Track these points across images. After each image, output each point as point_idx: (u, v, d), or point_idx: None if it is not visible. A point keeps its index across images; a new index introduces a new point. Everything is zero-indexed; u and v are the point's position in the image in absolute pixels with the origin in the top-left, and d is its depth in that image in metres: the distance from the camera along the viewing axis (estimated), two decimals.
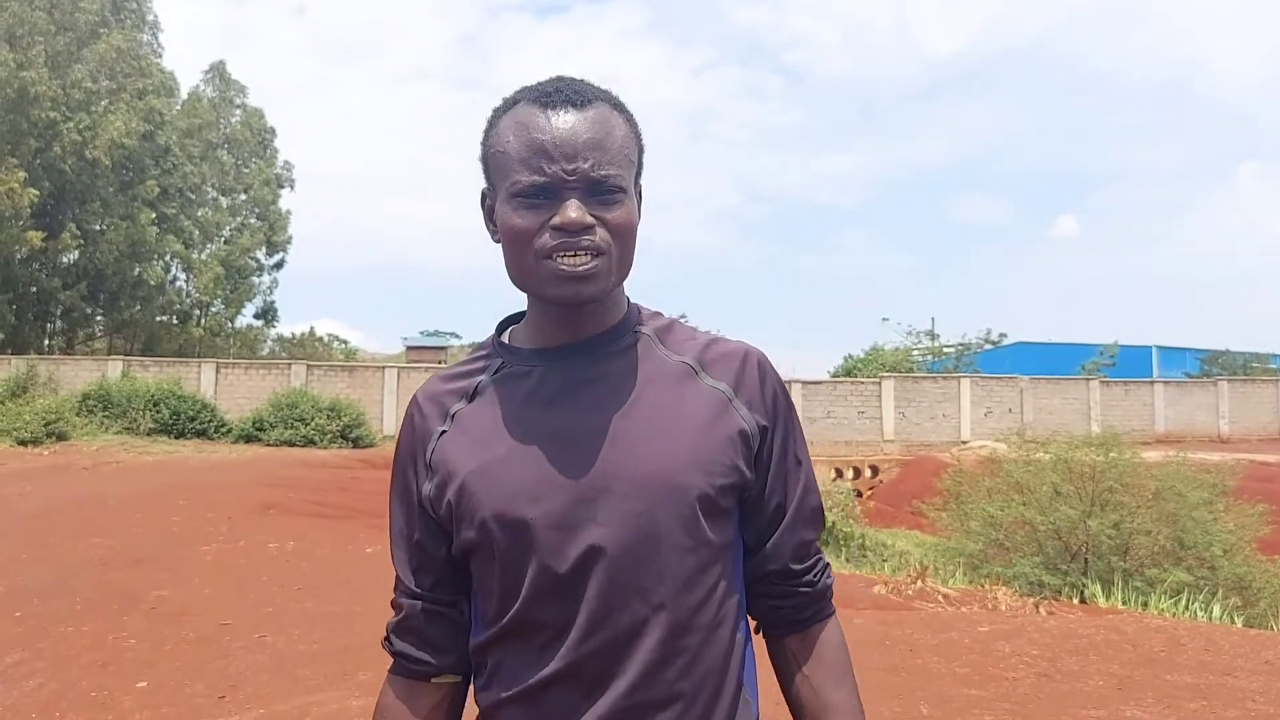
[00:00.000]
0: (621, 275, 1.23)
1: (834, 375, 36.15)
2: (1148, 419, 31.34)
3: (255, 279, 42.37)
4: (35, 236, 29.33)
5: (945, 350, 43.12)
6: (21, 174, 28.68)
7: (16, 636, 6.80)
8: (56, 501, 13.13)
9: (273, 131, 43.99)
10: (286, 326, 57.95)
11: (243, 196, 42.48)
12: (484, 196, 1.28)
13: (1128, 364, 38.59)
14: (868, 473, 28.01)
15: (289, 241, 43.80)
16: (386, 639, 1.36)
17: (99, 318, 37.38)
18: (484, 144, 1.26)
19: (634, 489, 1.18)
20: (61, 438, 22.18)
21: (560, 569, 1.18)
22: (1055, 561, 12.82)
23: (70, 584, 8.24)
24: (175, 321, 39.77)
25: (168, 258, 36.86)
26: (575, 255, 1.16)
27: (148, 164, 34.34)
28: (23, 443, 21.49)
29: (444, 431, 1.28)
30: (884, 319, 66.34)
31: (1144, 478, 13.45)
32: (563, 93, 1.20)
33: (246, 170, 42.13)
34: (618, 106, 1.24)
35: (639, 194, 1.26)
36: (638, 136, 1.25)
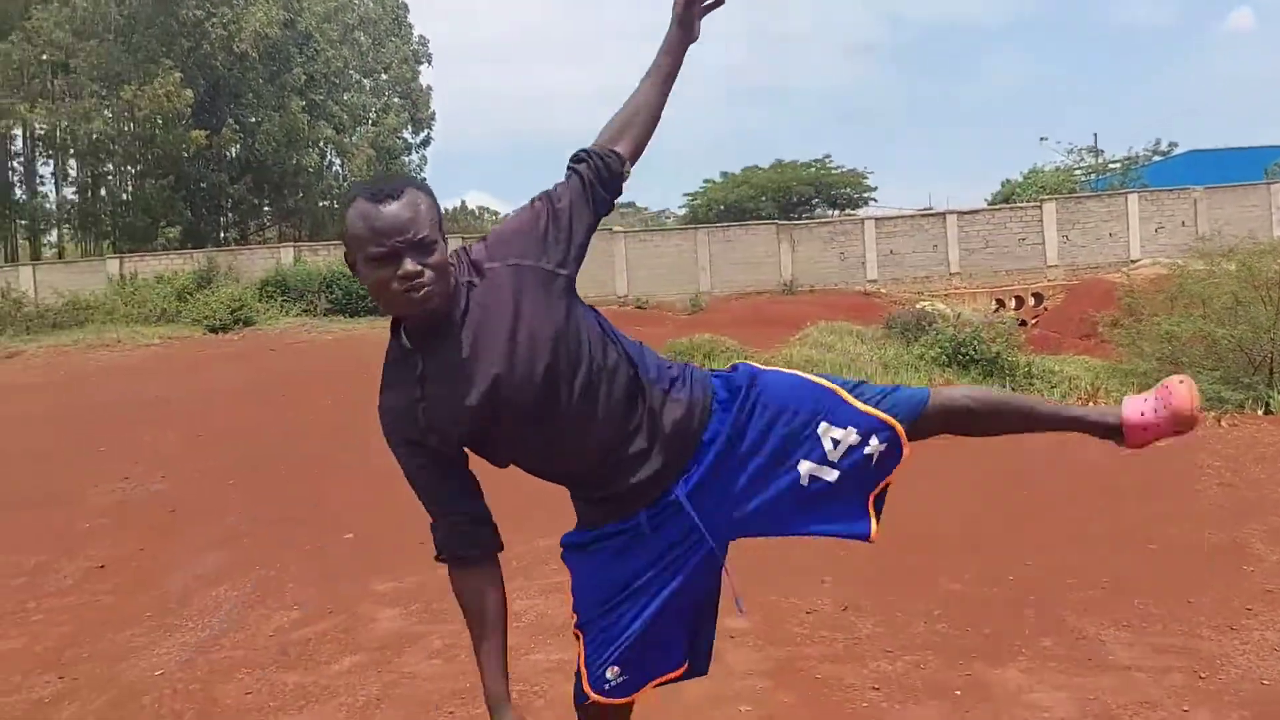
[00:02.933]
0: (447, 286, 1.82)
1: (991, 203, 34.68)
2: None
3: (404, 158, 43.26)
4: (199, 135, 30.62)
5: (1110, 166, 40.65)
6: (177, 75, 29.81)
7: (234, 501, 7.48)
8: (254, 381, 14.13)
9: (405, 7, 44.16)
10: (439, 202, 58.99)
11: (384, 77, 43.06)
12: (346, 258, 1.89)
13: None
14: (1031, 301, 27.11)
15: (433, 118, 44.38)
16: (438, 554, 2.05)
17: (266, 208, 39.06)
18: (345, 229, 1.84)
19: (523, 361, 1.84)
20: (247, 323, 23.59)
21: (516, 430, 1.93)
22: (1237, 375, 12.28)
23: (275, 453, 8.96)
24: (336, 205, 41.19)
25: (321, 144, 37.93)
26: (417, 292, 1.78)
27: (292, 52, 35.10)
28: (213, 329, 22.96)
29: (401, 406, 1.91)
30: (1042, 139, 62.76)
31: None
32: (384, 190, 1.81)
33: (384, 50, 42.55)
34: (420, 188, 1.85)
35: (444, 237, 1.86)
36: (436, 205, 1.87)
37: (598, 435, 1.90)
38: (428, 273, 1.78)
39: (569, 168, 2.03)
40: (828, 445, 1.99)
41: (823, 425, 2.00)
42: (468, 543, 2.00)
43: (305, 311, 25.27)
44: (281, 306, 25.36)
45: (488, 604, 1.99)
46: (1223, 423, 7.77)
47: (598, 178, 2.00)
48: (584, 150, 2.05)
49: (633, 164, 2.08)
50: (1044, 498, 5.90)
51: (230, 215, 37.79)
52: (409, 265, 1.77)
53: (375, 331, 22.61)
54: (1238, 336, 12.25)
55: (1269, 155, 36.40)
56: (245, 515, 6.99)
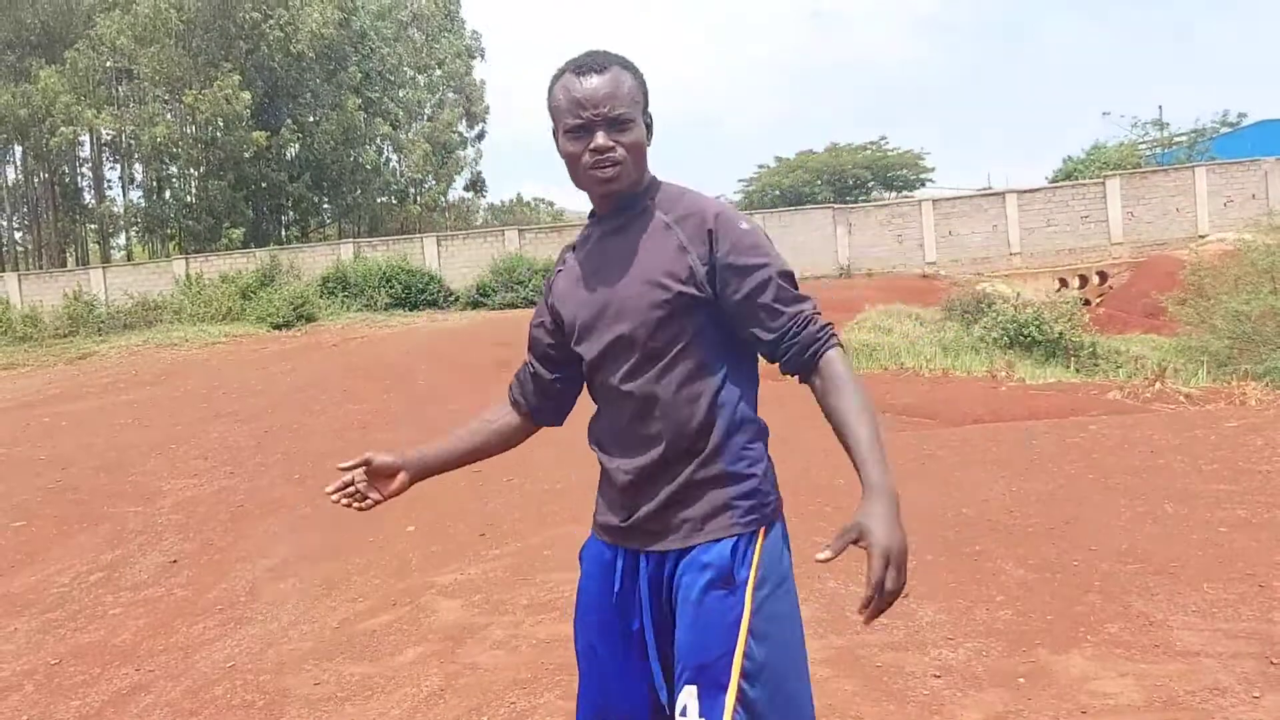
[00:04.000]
0: (638, 176, 1.90)
1: (1052, 180, 34.02)
2: None
3: (461, 152, 43.64)
4: (260, 136, 31.14)
5: (1176, 140, 39.59)
6: (236, 77, 30.34)
7: (299, 495, 7.63)
8: (316, 375, 14.38)
9: (458, 2, 44.47)
10: (495, 195, 59.70)
11: (438, 72, 43.42)
12: (553, 133, 1.93)
13: None
14: (1095, 280, 26.56)
15: (487, 111, 44.71)
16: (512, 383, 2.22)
17: (325, 205, 39.61)
18: (548, 101, 1.91)
19: (612, 309, 1.90)
20: (309, 319, 24.00)
21: (589, 356, 1.96)
22: None
23: (337, 448, 9.11)
24: (394, 201, 41.66)
25: (378, 140, 38.37)
26: (604, 169, 1.85)
27: (347, 51, 35.56)
28: (277, 326, 23.42)
29: (560, 270, 2.07)
30: (1104, 114, 61.51)
31: None
32: (589, 63, 1.86)
33: (437, 45, 42.91)
34: (626, 66, 1.88)
35: (649, 123, 1.92)
36: (642, 84, 1.90)
37: (630, 407, 1.92)
38: (619, 150, 1.84)
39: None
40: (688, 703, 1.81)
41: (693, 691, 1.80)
42: (516, 388, 2.20)
43: (366, 306, 25.64)
44: (343, 302, 25.76)
45: (478, 424, 2.21)
46: None
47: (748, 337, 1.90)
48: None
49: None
50: (1110, 480, 5.79)
51: (291, 214, 38.39)
52: (600, 139, 1.83)
53: (434, 324, 22.92)
54: None
55: None
56: (311, 509, 7.13)
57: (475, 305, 26.30)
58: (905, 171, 43.93)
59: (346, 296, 26.03)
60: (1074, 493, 5.63)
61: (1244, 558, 4.32)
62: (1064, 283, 26.39)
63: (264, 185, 34.61)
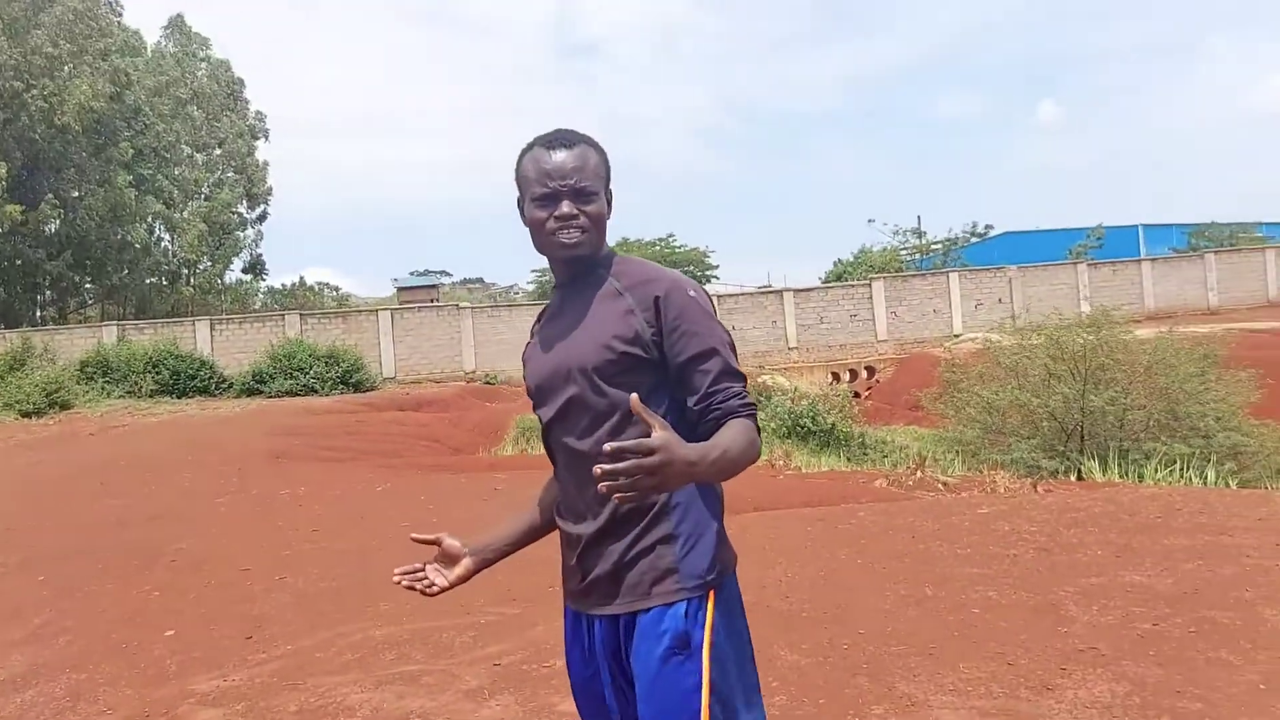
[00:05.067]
0: (598, 244, 2.02)
1: (825, 281, 36.15)
2: (1136, 297, 31.42)
3: (240, 233, 42.16)
4: (14, 210, 29.04)
5: (933, 247, 43.01)
6: None
7: (42, 598, 6.97)
8: (68, 468, 13.30)
9: (241, 82, 43.41)
10: (276, 278, 57.74)
11: (218, 151, 42.03)
12: (518, 202, 2.05)
13: (1115, 245, 38.54)
14: (864, 374, 28.21)
15: (269, 193, 43.50)
16: None
17: (88, 285, 37.23)
18: (516, 172, 2.04)
19: (563, 371, 1.99)
20: (65, 406, 22.29)
21: (546, 417, 2.05)
22: (1052, 443, 13.03)
23: (89, 545, 8.41)
24: (165, 283, 39.64)
25: (150, 219, 36.59)
26: (568, 233, 1.96)
27: (119, 126, 33.88)
28: (26, 414, 21.60)
29: (529, 342, 2.17)
30: (870, 221, 65.71)
31: (1136, 353, 13.58)
32: (559, 139, 2.00)
33: (219, 124, 41.60)
34: (593, 145, 2.01)
35: (609, 198, 2.04)
36: (606, 163, 2.03)
37: (577, 467, 1.98)
38: (582, 218, 1.96)
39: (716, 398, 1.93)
40: None
41: None
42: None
43: (129, 393, 24.08)
44: (103, 388, 24.12)
45: (531, 502, 2.25)
46: (1039, 489, 8.20)
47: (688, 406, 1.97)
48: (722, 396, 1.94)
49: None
50: (876, 565, 6.07)
51: (49, 293, 35.83)
52: (566, 208, 1.95)
53: (205, 412, 21.73)
54: (1050, 407, 13.02)
55: (1074, 236, 39.29)
56: (56, 612, 6.52)
57: (251, 393, 25.16)
58: (692, 268, 45.57)
59: (108, 382, 24.38)
60: (845, 578, 5.87)
61: (995, 637, 4.60)
62: (836, 376, 27.88)
63: (18, 262, 32.17)
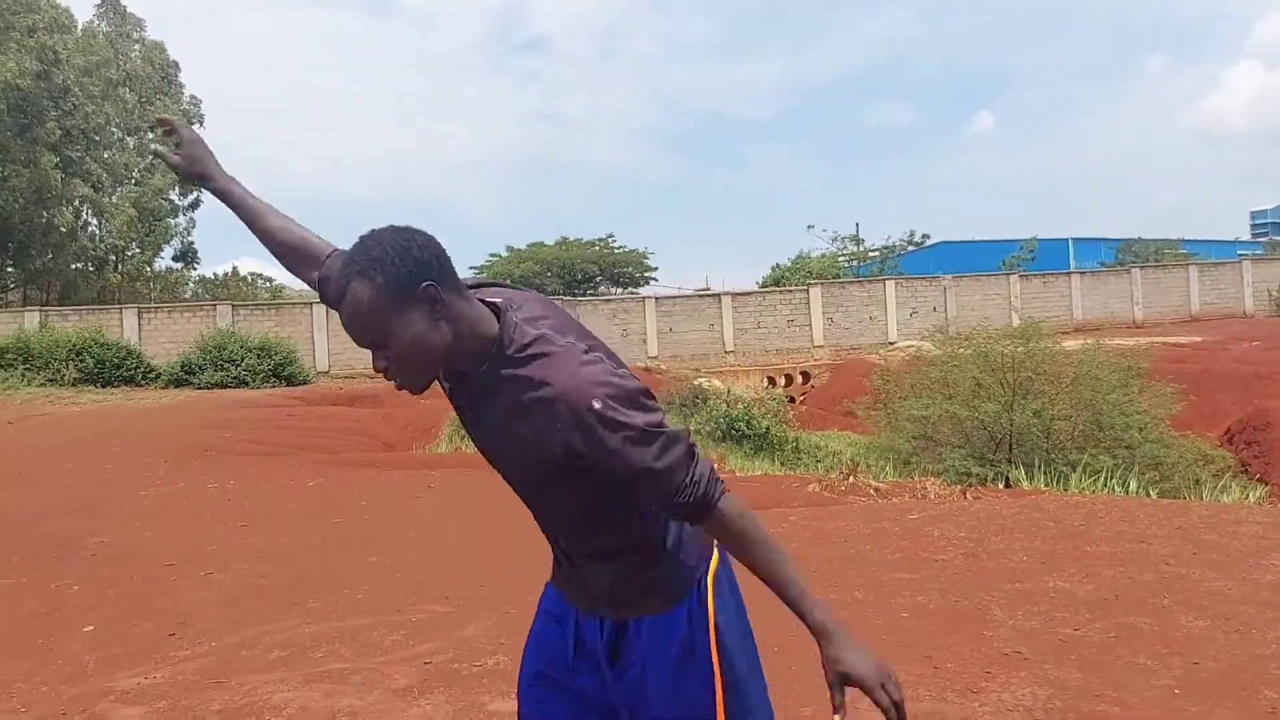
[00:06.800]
0: (434, 366, 1.81)
1: (762, 285, 36.41)
2: (1066, 309, 32.22)
3: (171, 221, 41.19)
4: None
5: (870, 254, 43.60)
6: None
7: None
8: None
9: (176, 66, 42.44)
10: (208, 268, 56.71)
11: (150, 136, 41.02)
12: None
13: (1046, 257, 39.45)
14: (799, 379, 28.46)
15: None
16: None
17: (9, 268, 36.15)
18: None
19: (503, 460, 1.90)
20: None
21: (495, 469, 1.95)
22: (982, 451, 13.28)
23: (2, 536, 8.16)
24: (91, 269, 38.62)
25: (76, 203, 35.58)
26: (394, 381, 1.81)
27: (45, 105, 32.86)
28: None
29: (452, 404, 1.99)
30: (809, 227, 66.44)
31: (1062, 366, 13.91)
32: (330, 294, 1.89)
33: (152, 108, 40.57)
34: (364, 275, 1.71)
35: (430, 311, 1.74)
36: (390, 284, 1.71)
37: (565, 529, 1.98)
38: (393, 365, 1.79)
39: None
40: None
41: None
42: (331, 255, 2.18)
43: (51, 381, 23.41)
44: (23, 375, 23.41)
45: (294, 225, 2.25)
46: (968, 496, 8.35)
47: None
48: None
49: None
50: (808, 569, 6.12)
51: None
52: (377, 363, 1.82)
53: (130, 402, 21.22)
54: (980, 416, 13.26)
55: (1008, 248, 40.11)
56: None
57: (180, 384, 24.62)
58: (631, 269, 45.61)
59: (28, 370, 23.67)
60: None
61: (922, 641, 4.67)
62: (772, 381, 28.09)
63: None
